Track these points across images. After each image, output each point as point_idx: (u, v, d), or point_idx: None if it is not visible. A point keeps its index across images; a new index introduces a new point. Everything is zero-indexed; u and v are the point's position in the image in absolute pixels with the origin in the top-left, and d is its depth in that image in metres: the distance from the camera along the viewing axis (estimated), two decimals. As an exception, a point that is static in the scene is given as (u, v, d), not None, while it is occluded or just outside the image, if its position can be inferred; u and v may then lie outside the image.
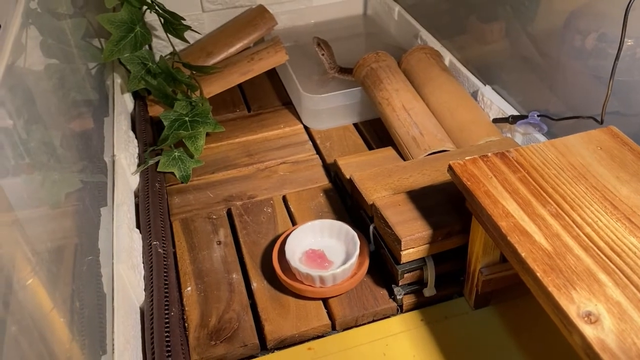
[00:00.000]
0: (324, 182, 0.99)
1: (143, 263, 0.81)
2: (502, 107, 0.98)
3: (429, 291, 0.77)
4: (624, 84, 0.75)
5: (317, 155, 1.06)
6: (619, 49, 0.70)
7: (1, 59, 0.56)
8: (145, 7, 1.06)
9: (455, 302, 0.78)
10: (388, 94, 1.01)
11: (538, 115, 0.90)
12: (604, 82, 0.76)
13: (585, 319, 0.49)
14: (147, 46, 1.09)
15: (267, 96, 1.23)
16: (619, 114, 0.77)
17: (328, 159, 1.04)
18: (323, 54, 1.19)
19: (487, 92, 1.02)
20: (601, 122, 0.76)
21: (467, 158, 0.68)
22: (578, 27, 0.83)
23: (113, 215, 0.81)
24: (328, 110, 1.09)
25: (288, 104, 1.20)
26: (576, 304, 0.51)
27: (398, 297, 0.76)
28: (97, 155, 0.90)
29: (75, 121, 0.89)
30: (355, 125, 1.13)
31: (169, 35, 1.11)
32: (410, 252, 0.73)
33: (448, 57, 1.14)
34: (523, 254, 0.56)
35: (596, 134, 0.71)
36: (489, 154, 0.68)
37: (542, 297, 0.54)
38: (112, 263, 0.73)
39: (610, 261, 0.54)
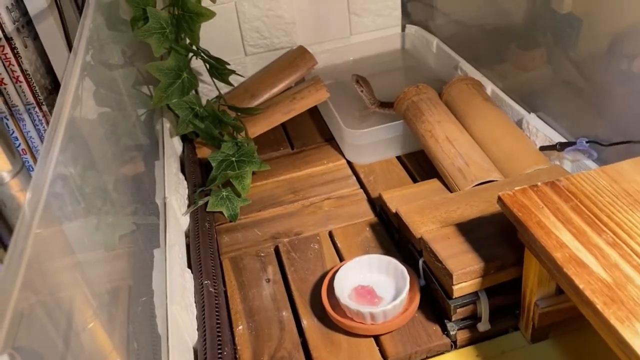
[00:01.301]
0: (370, 216, 0.99)
1: (195, 303, 0.82)
2: (548, 134, 0.97)
3: (483, 326, 0.75)
4: (677, 106, 0.73)
5: (362, 190, 1.06)
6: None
7: (63, 114, 0.60)
8: (191, 54, 1.10)
9: (511, 337, 0.76)
10: (430, 126, 1.01)
11: (587, 142, 0.88)
12: (654, 105, 0.74)
13: (653, 353, 0.47)
14: (193, 91, 1.13)
15: (310, 133, 1.25)
16: (674, 136, 0.75)
17: (372, 193, 1.04)
18: (362, 91, 1.20)
19: (533, 120, 1.01)
20: (655, 146, 0.74)
21: (516, 188, 0.67)
22: (624, 50, 0.82)
23: (165, 256, 0.83)
24: (370, 144, 1.10)
25: (330, 140, 1.21)
26: (642, 337, 0.49)
27: (451, 332, 0.75)
28: (148, 198, 0.93)
29: (127, 166, 0.93)
30: (398, 158, 1.13)
31: (214, 80, 1.15)
32: (463, 286, 0.72)
33: (490, 87, 1.13)
34: (581, 286, 0.54)
35: (650, 159, 0.69)
36: (539, 184, 0.67)
37: (605, 330, 0.52)
38: (166, 304, 0.75)
39: (676, 291, 0.52)
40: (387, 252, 0.90)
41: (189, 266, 0.89)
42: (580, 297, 0.54)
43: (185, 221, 0.99)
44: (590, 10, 0.87)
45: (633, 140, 0.79)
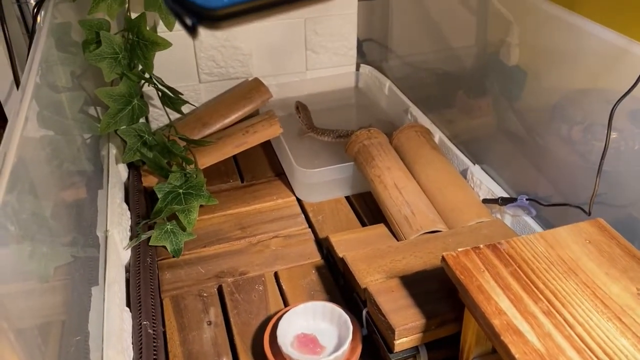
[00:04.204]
0: (316, 257, 0.99)
1: (132, 344, 0.80)
2: (491, 187, 1.00)
3: (421, 379, 0.76)
4: (610, 174, 0.77)
5: (309, 229, 1.07)
6: (605, 147, 0.73)
7: (12, 142, 0.57)
8: (143, 82, 1.08)
9: (448, 390, 0.78)
10: (380, 171, 1.03)
11: (527, 199, 0.92)
12: (591, 170, 0.78)
13: None
14: (143, 117, 1.11)
15: (261, 167, 1.25)
16: (606, 203, 0.79)
17: (320, 233, 1.05)
18: (300, 117, 1.27)
19: (477, 172, 1.05)
20: (589, 214, 0.78)
21: (459, 249, 0.69)
22: (565, 117, 0.86)
23: (104, 294, 0.80)
24: (321, 183, 1.11)
25: (281, 175, 1.21)
26: (571, 411, 0.51)
27: (390, 384, 0.76)
28: (89, 229, 0.90)
29: (68, 192, 0.89)
30: (347, 198, 1.15)
31: (166, 107, 1.13)
32: (404, 341, 0.73)
33: (438, 134, 1.17)
34: (517, 356, 0.56)
35: (585, 227, 0.72)
36: (481, 246, 0.70)
37: (537, 401, 0.54)
38: (102, 348, 0.72)
39: (603, 365, 0.55)
40: (331, 297, 0.90)
41: (128, 304, 0.87)
42: (515, 366, 0.56)
43: (126, 255, 0.96)
44: (534, 66, 0.91)
45: (570, 203, 0.83)
